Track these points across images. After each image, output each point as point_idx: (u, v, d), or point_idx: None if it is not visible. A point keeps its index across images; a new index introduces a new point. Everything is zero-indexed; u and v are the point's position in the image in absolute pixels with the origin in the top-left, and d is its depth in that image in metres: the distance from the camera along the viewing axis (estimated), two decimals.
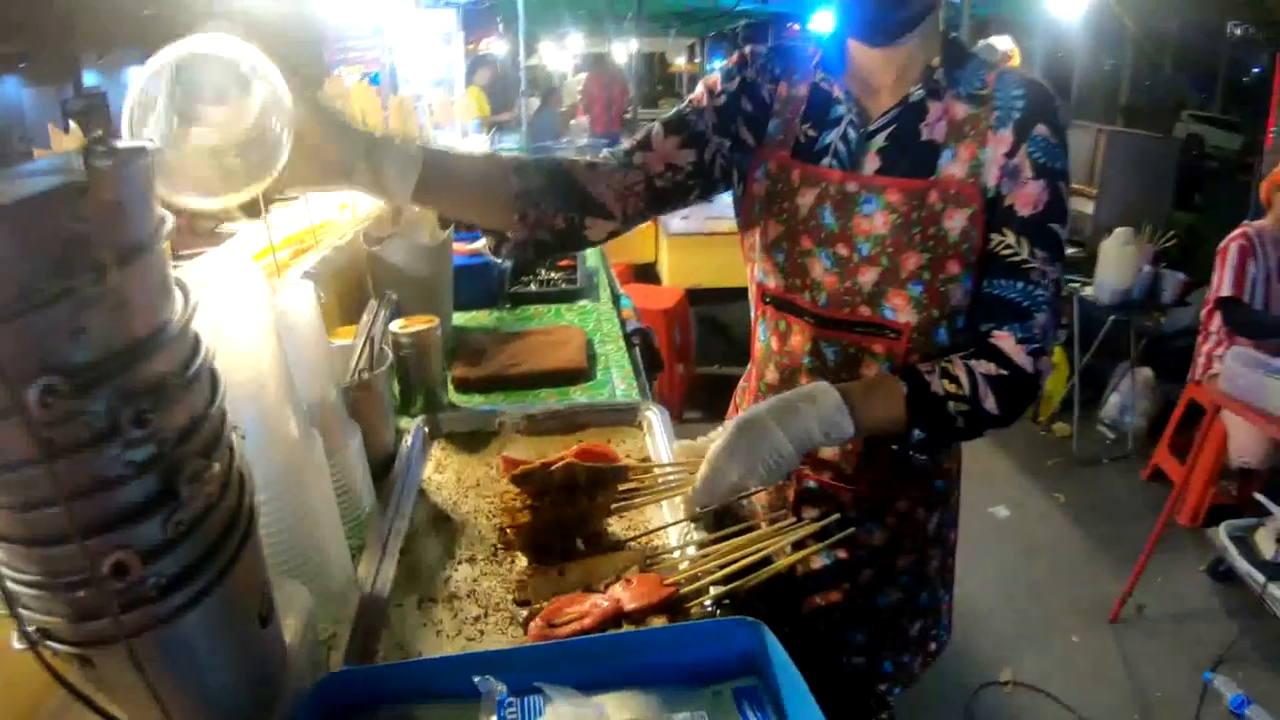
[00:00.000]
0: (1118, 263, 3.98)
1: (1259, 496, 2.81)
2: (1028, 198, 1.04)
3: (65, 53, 8.65)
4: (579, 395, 1.68)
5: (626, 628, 0.90)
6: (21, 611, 0.61)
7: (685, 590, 0.95)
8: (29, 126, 7.86)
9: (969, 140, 1.06)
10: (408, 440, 1.42)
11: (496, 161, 1.14)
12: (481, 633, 1.02)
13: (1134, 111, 10.54)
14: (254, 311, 0.91)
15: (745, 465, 0.97)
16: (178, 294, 0.63)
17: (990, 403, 1.04)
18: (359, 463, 1.23)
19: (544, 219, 1.12)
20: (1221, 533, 2.91)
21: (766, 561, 1.00)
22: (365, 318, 1.45)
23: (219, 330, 0.88)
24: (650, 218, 1.26)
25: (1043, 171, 1.03)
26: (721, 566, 0.99)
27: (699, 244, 4.65)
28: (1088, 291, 4.14)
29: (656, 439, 1.40)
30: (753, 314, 1.27)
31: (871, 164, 1.10)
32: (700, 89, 1.21)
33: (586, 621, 0.90)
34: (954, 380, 1.04)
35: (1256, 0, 5.12)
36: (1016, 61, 3.97)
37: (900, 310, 1.09)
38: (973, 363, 1.05)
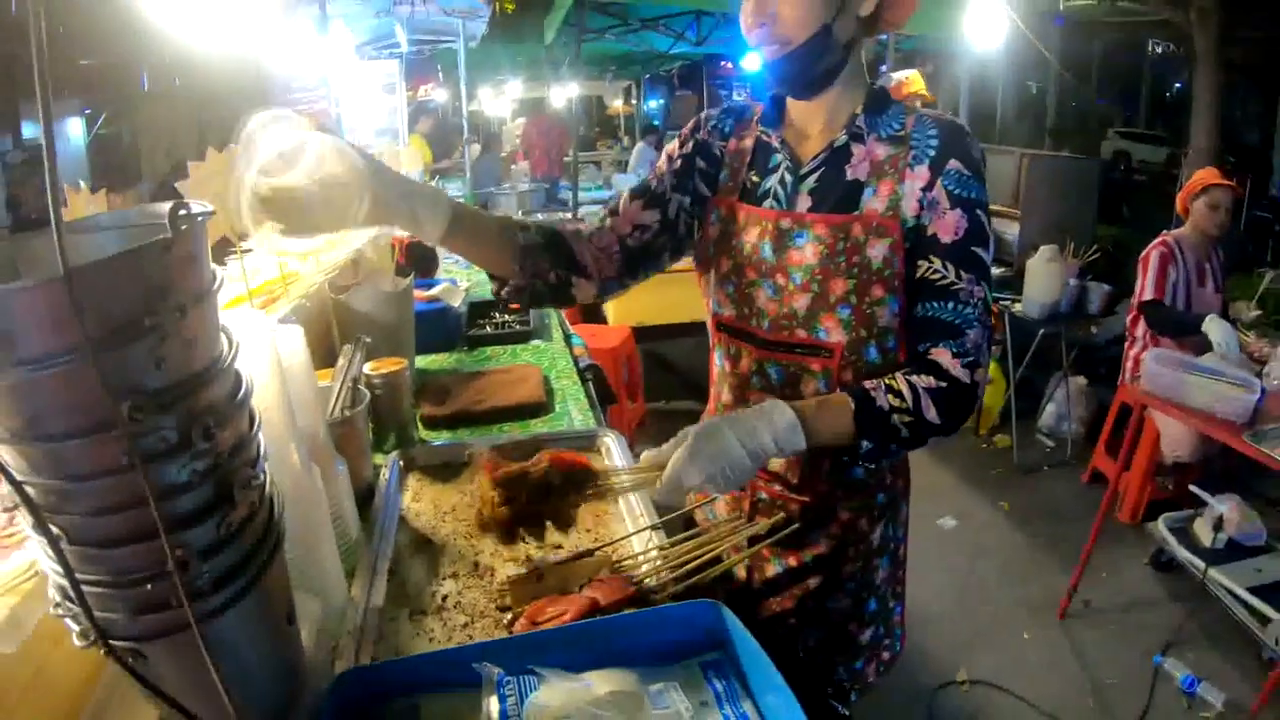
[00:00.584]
0: (1044, 279, 4.23)
1: (1194, 488, 3.03)
2: (947, 226, 1.15)
3: (4, 103, 8.53)
4: (540, 427, 1.80)
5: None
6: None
7: (648, 587, 1.07)
8: None
9: (889, 178, 1.18)
10: (385, 473, 1.52)
11: (509, 220, 1.29)
12: (470, 637, 1.13)
13: (1062, 132, 11.01)
14: (260, 350, 1.02)
15: (705, 472, 1.05)
16: (224, 335, 0.75)
17: (932, 413, 1.12)
18: (346, 493, 1.33)
19: (540, 272, 1.27)
20: (1161, 525, 3.10)
21: (718, 561, 1.14)
22: (342, 360, 1.55)
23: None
24: (626, 283, 1.39)
25: (958, 202, 1.15)
26: (678, 567, 1.12)
27: (643, 283, 4.80)
28: (1018, 308, 4.39)
29: (615, 462, 1.52)
30: (710, 341, 1.41)
31: (804, 203, 1.25)
32: (661, 159, 1.40)
33: (566, 617, 1.02)
34: (897, 394, 1.13)
35: (1171, 21, 5.50)
36: (917, 88, 4.21)
37: (832, 331, 1.20)
38: (914, 377, 1.14)
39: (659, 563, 1.16)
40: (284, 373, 1.18)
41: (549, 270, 1.28)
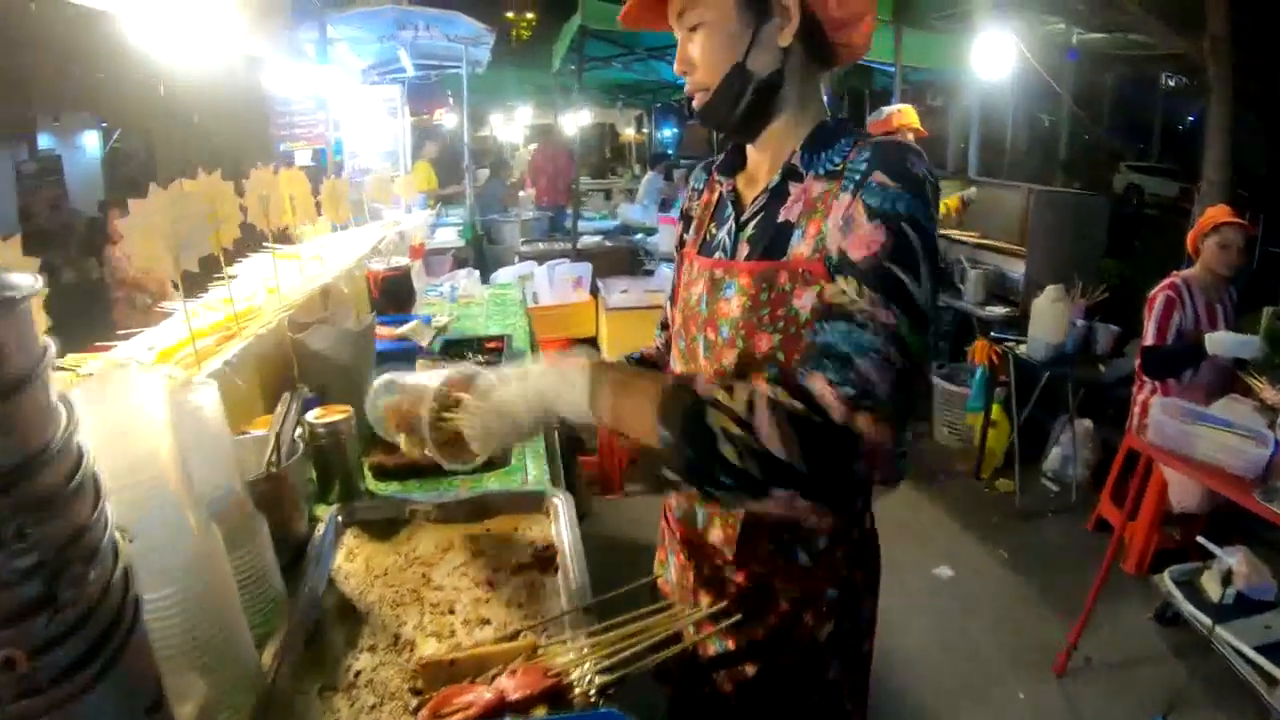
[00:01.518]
0: (1049, 320, 4.11)
1: (1202, 540, 2.87)
2: (860, 241, 0.99)
3: (20, 115, 8.62)
4: (491, 481, 1.73)
5: (510, 718, 0.95)
6: None
7: (569, 680, 1.00)
8: None
9: (817, 216, 1.07)
10: (320, 529, 1.45)
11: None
12: None
13: (1073, 166, 10.92)
14: (152, 415, 0.96)
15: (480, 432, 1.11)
16: (62, 412, 0.68)
17: (770, 435, 0.91)
18: (267, 552, 1.26)
19: None
20: (1167, 578, 2.95)
21: (652, 649, 1.06)
22: (279, 409, 1.49)
23: (120, 435, 0.93)
24: None
25: (877, 214, 1.00)
26: (608, 655, 1.05)
27: (638, 317, 4.76)
28: (1022, 349, 4.27)
29: (561, 525, 1.45)
30: None
31: (743, 251, 1.17)
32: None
33: (471, 712, 0.94)
34: (729, 391, 0.95)
35: (1185, 54, 5.45)
36: (909, 120, 4.13)
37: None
38: (767, 387, 0.96)
39: (585, 650, 1.08)
40: (195, 431, 1.13)
41: None
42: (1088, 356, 4.27)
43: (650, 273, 5.85)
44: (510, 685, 0.98)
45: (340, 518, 1.51)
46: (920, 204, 1.00)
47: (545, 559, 1.37)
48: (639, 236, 6.76)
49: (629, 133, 19.07)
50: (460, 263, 4.72)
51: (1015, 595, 3.59)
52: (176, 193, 1.51)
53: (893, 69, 6.28)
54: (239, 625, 1.11)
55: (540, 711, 0.95)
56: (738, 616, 1.12)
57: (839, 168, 1.08)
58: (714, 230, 1.26)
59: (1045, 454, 4.64)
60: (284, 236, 2.61)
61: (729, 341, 1.15)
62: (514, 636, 1.13)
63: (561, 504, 1.51)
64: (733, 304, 1.14)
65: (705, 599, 1.26)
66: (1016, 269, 5.06)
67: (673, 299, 1.38)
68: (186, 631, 1.01)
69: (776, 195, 1.15)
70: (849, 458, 0.93)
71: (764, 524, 1.15)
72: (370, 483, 1.75)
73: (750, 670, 1.25)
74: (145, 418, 0.96)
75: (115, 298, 4.44)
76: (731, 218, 1.22)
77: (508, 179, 10.27)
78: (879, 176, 1.02)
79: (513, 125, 14.23)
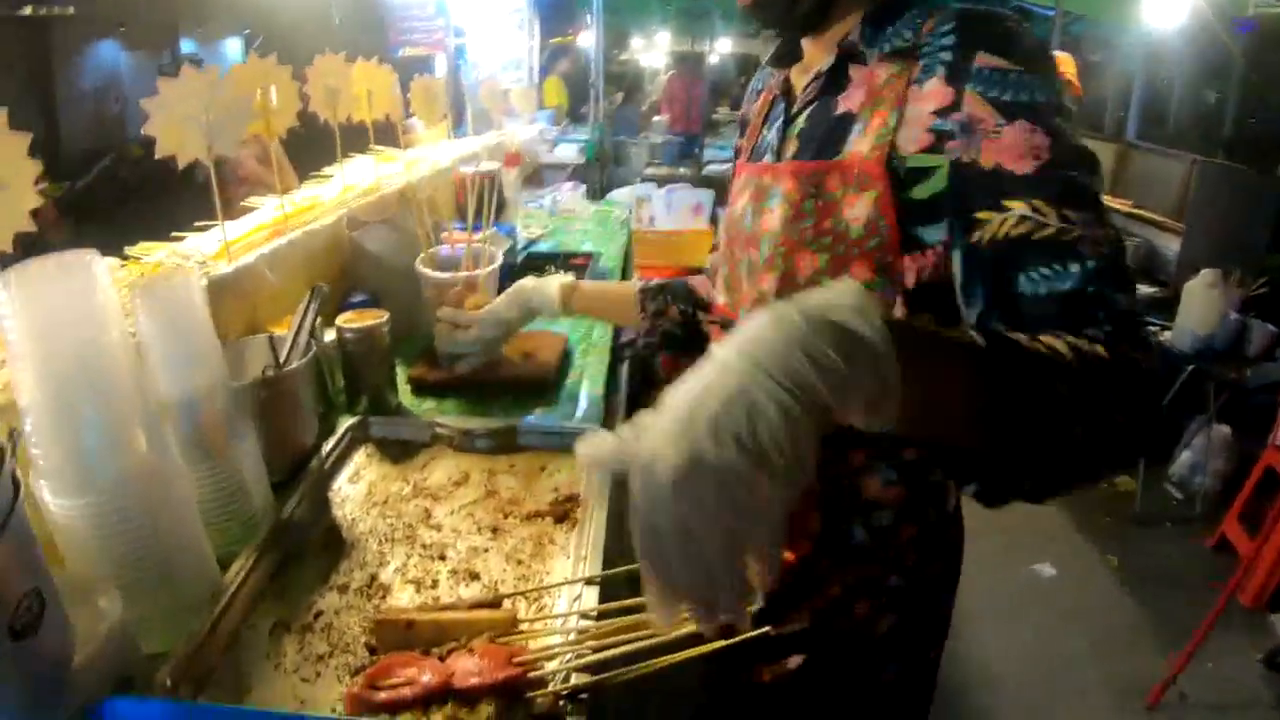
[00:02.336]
0: (1201, 307, 3.64)
1: None
2: (1014, 148, 0.76)
3: (164, 20, 8.87)
4: (538, 412, 1.55)
5: (451, 707, 0.77)
6: None
7: (535, 675, 0.82)
8: (126, 89, 8.12)
9: (883, 106, 0.85)
10: (330, 443, 1.31)
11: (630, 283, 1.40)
12: (318, 674, 0.91)
13: (1237, 144, 9.86)
14: (93, 309, 0.83)
15: (693, 445, 0.48)
16: None
17: (1100, 382, 0.65)
18: (249, 463, 1.12)
19: (662, 310, 1.33)
20: None
21: (659, 650, 0.82)
22: (300, 308, 1.35)
23: (54, 328, 0.80)
24: None
25: (1013, 110, 0.77)
26: (598, 648, 0.85)
27: None
28: (1166, 336, 3.80)
29: (595, 474, 1.26)
30: None
31: (790, 150, 0.96)
32: None
33: (405, 692, 0.78)
34: (1046, 345, 0.66)
35: None
36: (1065, 70, 3.65)
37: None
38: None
39: (574, 636, 0.90)
40: (167, 327, 0.99)
41: (670, 306, 1.33)
42: (1237, 355, 3.72)
43: None
44: (465, 667, 0.81)
45: (354, 433, 1.37)
46: (1052, 81, 0.78)
47: (562, 511, 1.19)
48: None
49: None
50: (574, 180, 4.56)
51: (1118, 608, 3.21)
52: (211, 75, 1.36)
53: (1051, 13, 5.70)
54: (193, 544, 0.98)
55: (487, 708, 0.77)
56: (767, 630, 0.87)
57: (910, 43, 0.86)
58: (765, 133, 1.05)
59: (1174, 457, 4.13)
60: (392, 138, 2.49)
61: (768, 262, 0.93)
62: (497, 604, 0.95)
63: None
64: (775, 216, 0.93)
65: None
66: (1170, 246, 4.52)
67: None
68: (123, 546, 0.88)
69: (833, 82, 0.92)
70: (1153, 394, 0.69)
71: (812, 492, 0.92)
72: (407, 398, 1.60)
73: (791, 663, 1.06)
74: (83, 311, 0.82)
75: (228, 197, 4.44)
76: (781, 113, 1.01)
77: (642, 103, 10.01)
78: (985, 59, 0.79)
79: (654, 51, 13.82)
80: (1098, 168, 0.77)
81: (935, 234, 0.83)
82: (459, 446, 1.37)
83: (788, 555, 0.96)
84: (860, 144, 0.86)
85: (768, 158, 0.99)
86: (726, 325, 1.05)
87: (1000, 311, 0.77)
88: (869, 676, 1.06)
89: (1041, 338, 0.66)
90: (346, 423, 1.38)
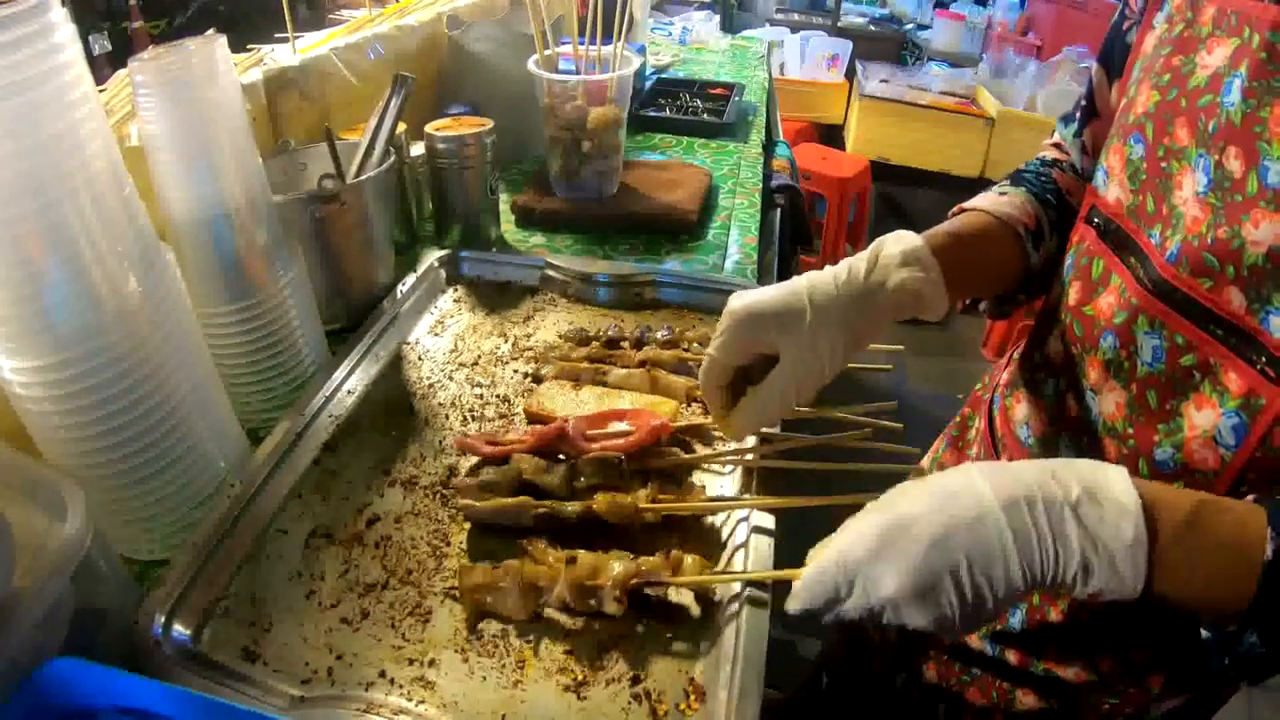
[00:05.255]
0: None
1: None
2: None
3: None
4: (674, 259, 1.21)
5: None
6: None
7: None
8: None
9: None
10: (409, 281, 1.00)
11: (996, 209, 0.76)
12: (364, 614, 0.62)
13: None
14: (51, 94, 0.52)
15: (911, 584, 0.49)
16: None
17: None
18: (300, 303, 0.82)
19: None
20: None
21: None
22: (378, 107, 1.02)
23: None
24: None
25: None
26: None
27: (895, 113, 3.93)
28: None
29: None
30: (1072, 238, 0.73)
31: None
32: None
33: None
34: None
35: None
36: None
37: None
38: None
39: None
40: (194, 133, 0.68)
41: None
42: None
43: (916, 67, 4.93)
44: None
45: (440, 269, 1.06)
46: None
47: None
48: (910, 27, 5.75)
49: None
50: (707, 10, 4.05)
51: None
52: None
53: None
54: (208, 416, 0.70)
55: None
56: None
57: None
58: None
59: None
60: None
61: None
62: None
63: None
64: None
65: None
66: None
67: (1087, 109, 0.76)
68: (78, 422, 0.60)
69: None
70: None
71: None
72: (510, 231, 1.27)
73: (1029, 700, 0.78)
74: (38, 94, 0.50)
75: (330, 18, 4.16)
76: None
77: None
78: None
79: None
80: None
81: None
82: (575, 295, 1.04)
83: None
84: None
85: None
86: (1110, 235, 0.65)
87: None
88: None
89: None
90: (432, 256, 1.07)
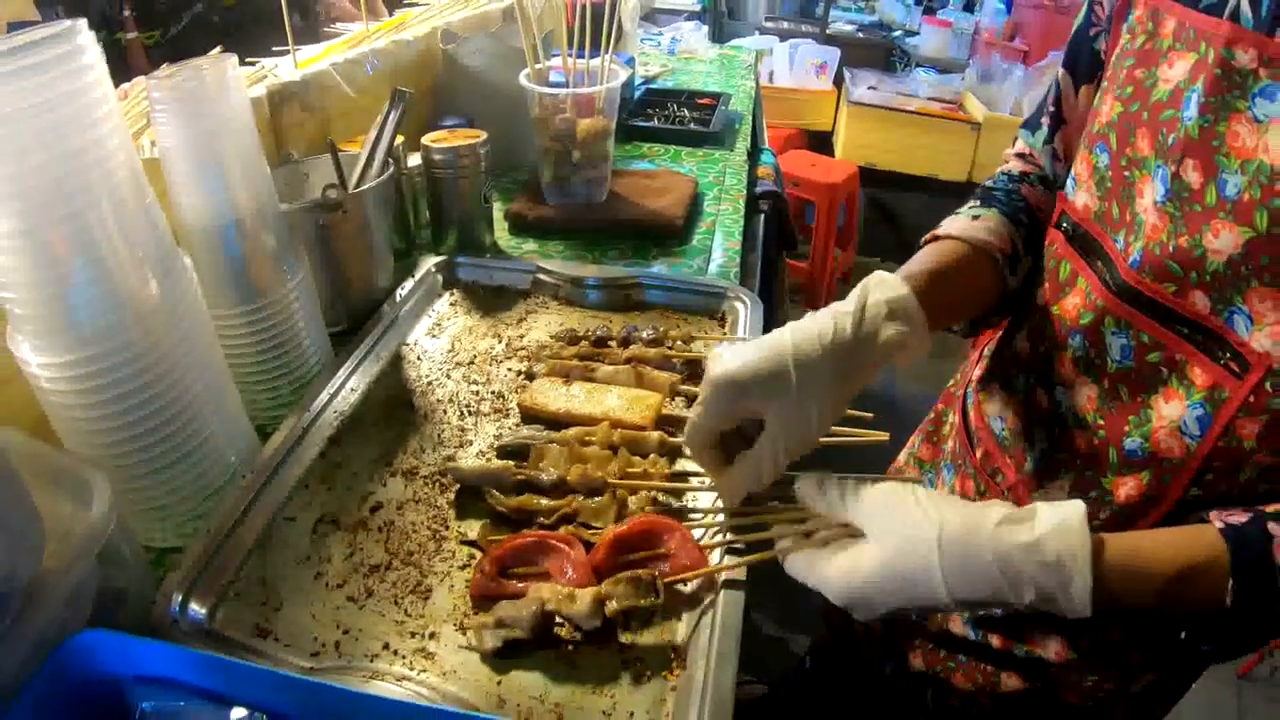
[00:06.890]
0: None
1: None
2: None
3: None
4: (660, 263, 1.26)
5: None
6: None
7: None
8: None
9: None
10: (406, 286, 1.05)
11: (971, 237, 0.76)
12: (369, 593, 0.67)
13: None
14: (80, 108, 0.56)
15: (896, 597, 0.57)
16: None
17: None
18: (304, 307, 0.87)
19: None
20: None
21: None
22: (378, 119, 1.06)
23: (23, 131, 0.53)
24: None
25: None
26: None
27: (884, 119, 3.99)
28: None
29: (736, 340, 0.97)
30: (1044, 249, 0.77)
31: None
32: None
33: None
34: None
35: None
36: None
37: (1264, 325, 0.56)
38: None
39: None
40: (204, 143, 0.72)
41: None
42: None
43: (904, 73, 4.99)
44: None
45: (437, 274, 1.10)
46: None
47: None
48: (898, 34, 5.82)
49: None
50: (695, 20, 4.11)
51: None
52: None
53: None
54: (220, 411, 0.74)
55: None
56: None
57: None
58: None
59: None
60: None
61: (1240, 205, 0.54)
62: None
63: (744, 311, 1.02)
64: (1273, 134, 0.53)
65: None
66: None
67: (1055, 116, 0.80)
68: (123, 413, 0.65)
69: None
70: None
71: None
72: (503, 237, 1.32)
73: (1013, 681, 0.84)
74: (67, 108, 0.55)
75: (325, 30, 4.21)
76: None
77: None
78: None
79: None
80: None
81: None
82: (565, 298, 1.09)
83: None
84: None
85: (1229, 14, 0.55)
86: (1077, 239, 0.70)
87: None
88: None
89: None
90: (429, 262, 1.11)
